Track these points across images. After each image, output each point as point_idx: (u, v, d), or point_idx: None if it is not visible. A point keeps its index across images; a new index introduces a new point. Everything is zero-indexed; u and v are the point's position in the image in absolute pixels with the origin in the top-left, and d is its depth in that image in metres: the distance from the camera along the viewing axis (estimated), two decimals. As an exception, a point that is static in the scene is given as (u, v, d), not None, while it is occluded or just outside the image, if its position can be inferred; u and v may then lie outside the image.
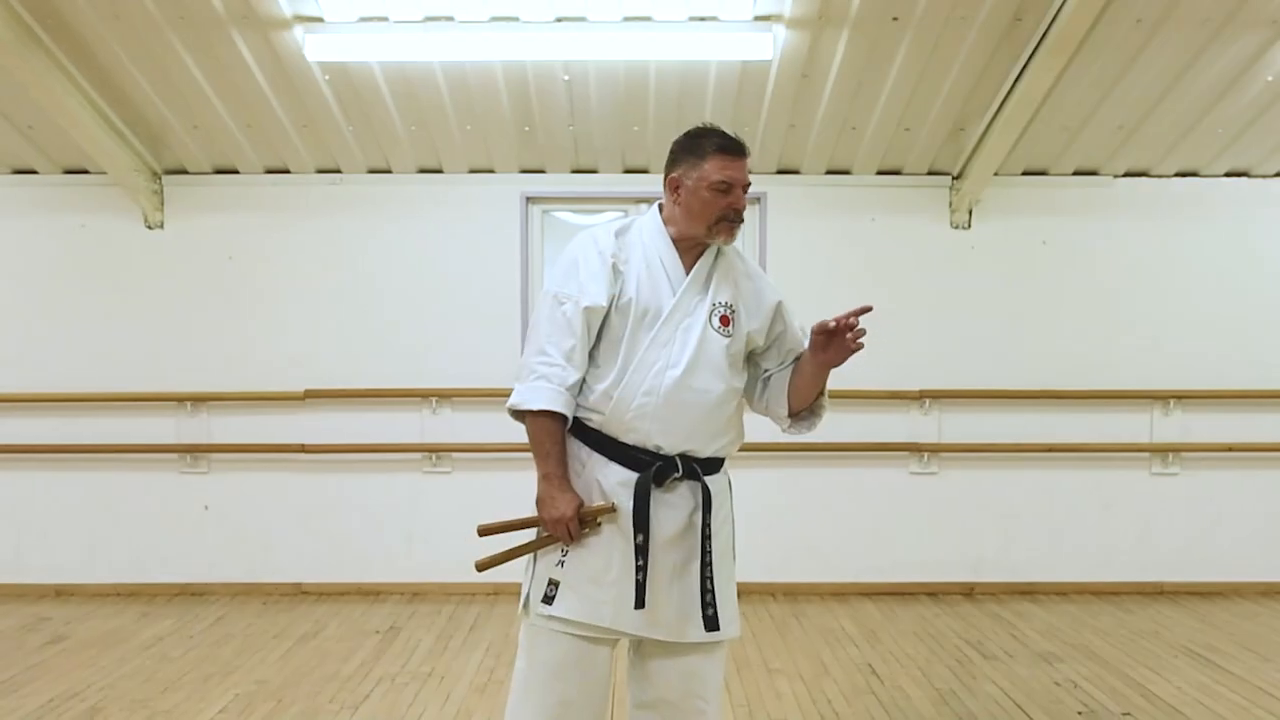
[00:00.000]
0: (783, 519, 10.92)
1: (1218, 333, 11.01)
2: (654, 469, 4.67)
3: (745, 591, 10.31)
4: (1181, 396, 10.96)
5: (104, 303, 10.89)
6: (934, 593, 10.92)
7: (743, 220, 4.84)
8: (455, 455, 10.76)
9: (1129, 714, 7.44)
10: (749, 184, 4.85)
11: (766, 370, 5.06)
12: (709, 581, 4.67)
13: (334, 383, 10.84)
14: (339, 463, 10.94)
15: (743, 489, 10.76)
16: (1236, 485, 11.08)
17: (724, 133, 4.88)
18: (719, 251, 4.96)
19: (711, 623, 4.67)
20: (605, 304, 4.71)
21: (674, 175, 4.90)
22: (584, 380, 4.76)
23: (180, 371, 10.88)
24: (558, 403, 4.64)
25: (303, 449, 10.82)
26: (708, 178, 4.78)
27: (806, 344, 4.90)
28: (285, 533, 10.97)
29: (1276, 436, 11.04)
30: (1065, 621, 9.89)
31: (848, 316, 4.62)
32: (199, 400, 10.86)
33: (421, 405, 10.82)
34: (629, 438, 4.70)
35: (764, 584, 10.88)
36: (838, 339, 4.68)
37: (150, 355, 10.88)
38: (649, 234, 4.91)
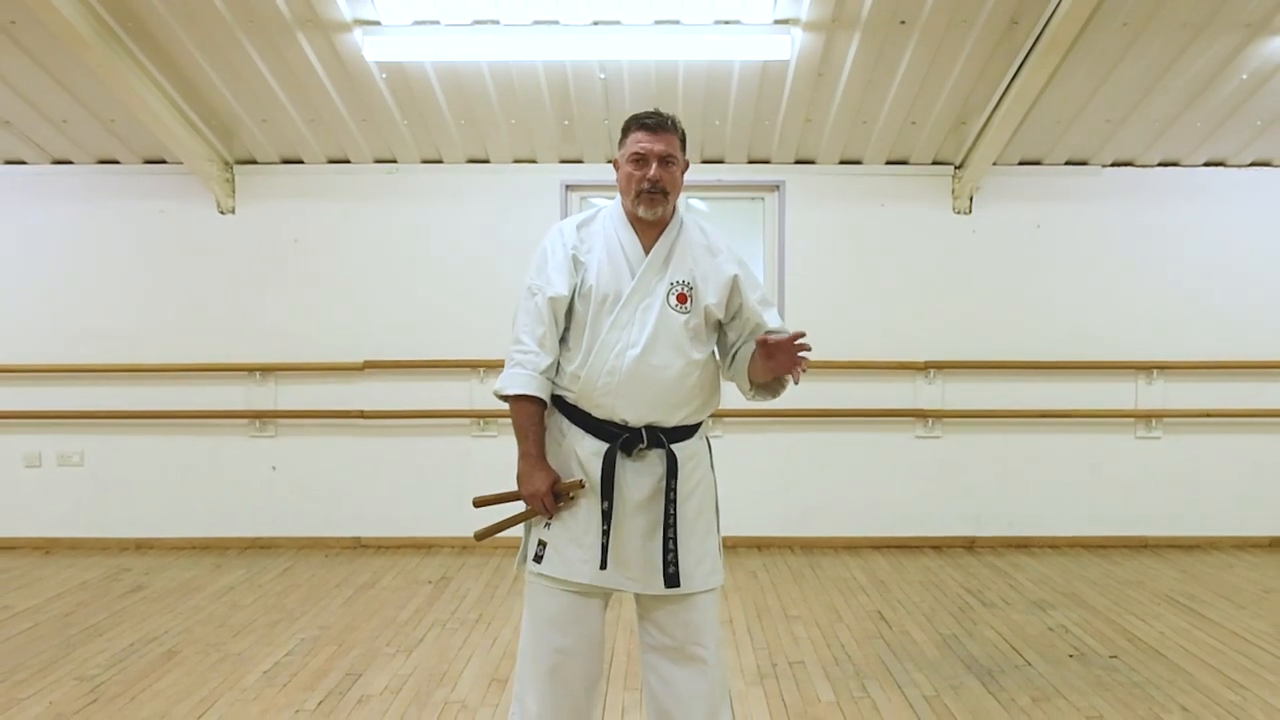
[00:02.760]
0: (801, 479, 10.96)
1: (1196, 309, 11.01)
2: (620, 440, 4.72)
3: (766, 545, 10.45)
4: (1163, 367, 10.96)
5: (180, 281, 10.96)
6: (938, 546, 10.93)
7: (664, 191, 4.76)
8: (502, 420, 10.75)
9: (1116, 656, 7.44)
10: (669, 155, 4.76)
11: (733, 343, 5.01)
12: (671, 542, 4.69)
13: (390, 354, 10.87)
14: (395, 427, 10.98)
15: (763, 451, 10.84)
16: (1214, 448, 11.08)
17: (649, 112, 4.89)
18: (680, 229, 4.93)
19: (671, 580, 4.68)
20: (567, 294, 4.74)
21: (615, 159, 4.95)
22: (559, 362, 4.80)
23: (250, 344, 10.93)
24: (531, 387, 4.69)
25: (362, 415, 10.87)
26: (627, 152, 4.82)
27: (766, 319, 4.87)
28: (346, 491, 11.03)
29: (1250, 403, 11.05)
30: (1057, 572, 9.89)
31: (788, 340, 4.50)
32: (267, 370, 10.92)
33: (470, 375, 10.85)
34: (598, 413, 4.74)
35: (783, 538, 10.92)
36: (780, 356, 4.58)
37: (222, 329, 10.93)
38: (612, 221, 4.94)
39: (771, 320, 4.88)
